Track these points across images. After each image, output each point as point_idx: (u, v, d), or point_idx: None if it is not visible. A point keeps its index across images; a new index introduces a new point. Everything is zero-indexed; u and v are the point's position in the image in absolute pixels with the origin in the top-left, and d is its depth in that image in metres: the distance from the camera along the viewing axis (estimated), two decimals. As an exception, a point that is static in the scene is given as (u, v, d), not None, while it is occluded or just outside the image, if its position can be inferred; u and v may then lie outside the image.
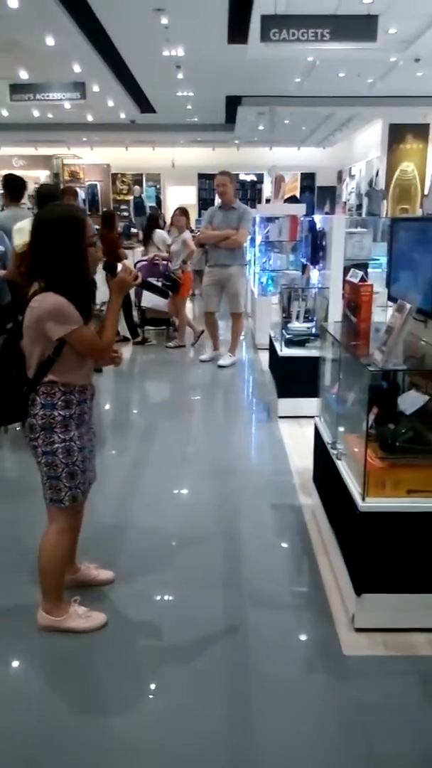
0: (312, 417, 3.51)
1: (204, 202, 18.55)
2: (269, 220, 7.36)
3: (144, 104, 14.58)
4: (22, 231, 4.18)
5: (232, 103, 14.16)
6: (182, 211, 7.61)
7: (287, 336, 4.95)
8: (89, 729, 2.02)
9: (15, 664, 2.36)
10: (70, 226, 2.17)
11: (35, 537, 2.47)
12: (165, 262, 7.35)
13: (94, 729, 2.02)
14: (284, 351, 4.85)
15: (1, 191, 5.48)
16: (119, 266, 2.45)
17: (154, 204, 17.47)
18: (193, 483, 3.89)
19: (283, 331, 5.00)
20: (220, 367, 6.35)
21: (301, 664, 2.32)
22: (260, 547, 3.10)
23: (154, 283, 6.40)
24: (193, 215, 18.70)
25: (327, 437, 3.07)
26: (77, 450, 2.29)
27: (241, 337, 6.92)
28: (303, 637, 2.46)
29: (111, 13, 8.77)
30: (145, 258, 7.66)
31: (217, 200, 16.84)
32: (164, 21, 8.78)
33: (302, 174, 19.28)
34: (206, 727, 2.02)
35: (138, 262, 7.60)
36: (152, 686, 2.21)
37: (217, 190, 6.44)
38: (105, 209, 9.73)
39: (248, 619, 2.55)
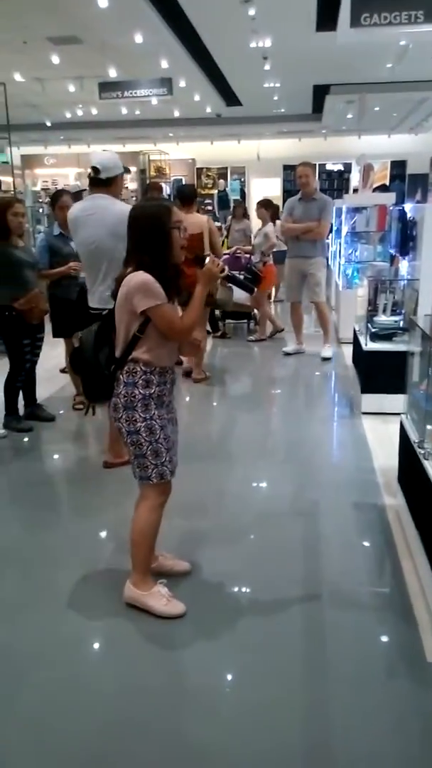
0: (397, 414, 3.39)
1: (288, 194, 18.19)
2: (356, 210, 7.17)
3: (230, 97, 14.57)
4: None
5: (320, 92, 13.89)
6: (264, 204, 7.54)
7: (373, 330, 4.81)
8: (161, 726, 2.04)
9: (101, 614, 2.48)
10: (154, 215, 2.38)
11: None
12: (247, 255, 7.32)
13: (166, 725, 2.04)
14: (369, 345, 4.72)
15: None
16: (207, 258, 2.48)
17: (238, 197, 17.42)
18: (273, 478, 3.86)
19: (369, 324, 4.86)
20: (324, 359, 6.32)
21: (381, 668, 2.25)
22: (341, 546, 3.04)
23: (239, 277, 6.38)
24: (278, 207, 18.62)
25: (414, 436, 2.95)
26: (159, 428, 2.41)
27: (331, 325, 6.77)
28: (384, 640, 2.39)
29: (198, 8, 8.81)
30: (227, 251, 7.67)
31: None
32: (251, 12, 8.70)
33: (392, 162, 18.63)
34: (282, 725, 2.00)
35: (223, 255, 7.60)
36: (229, 681, 2.21)
37: (300, 181, 6.35)
38: (180, 185, 10.07)
39: (327, 619, 2.50)
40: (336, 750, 1.91)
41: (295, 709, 2.06)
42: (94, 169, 3.55)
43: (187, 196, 5.70)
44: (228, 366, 6.82)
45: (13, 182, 7.68)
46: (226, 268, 2.56)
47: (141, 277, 2.31)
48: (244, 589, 2.71)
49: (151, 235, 2.34)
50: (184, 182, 16.89)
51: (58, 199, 4.74)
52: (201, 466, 3.96)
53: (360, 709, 2.05)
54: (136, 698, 2.12)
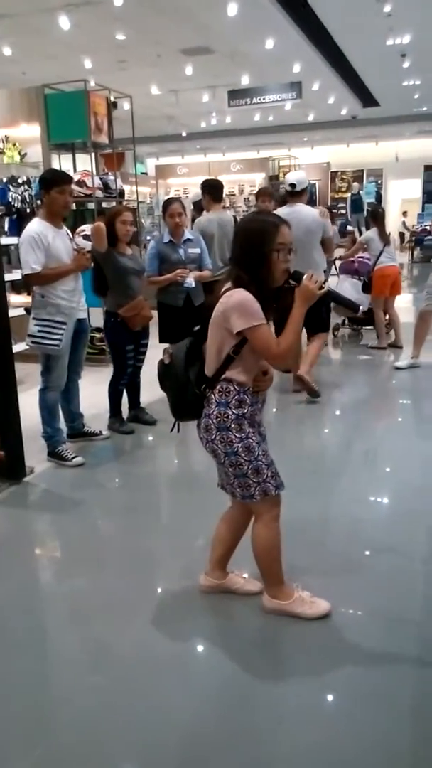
0: None
1: (429, 196, 17.47)
2: None
3: (366, 98, 14.15)
4: None
5: (465, 87, 13.09)
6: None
7: None
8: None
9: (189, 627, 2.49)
10: (256, 232, 2.28)
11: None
12: (361, 260, 6.98)
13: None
14: None
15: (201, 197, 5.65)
16: (305, 275, 2.33)
17: (373, 200, 16.87)
18: (378, 498, 3.61)
19: None
20: (396, 368, 6.07)
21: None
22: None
23: (342, 295, 6.05)
24: (416, 209, 17.78)
25: None
26: (256, 445, 2.33)
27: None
28: None
29: (330, 9, 8.61)
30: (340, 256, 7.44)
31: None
32: (387, 9, 8.38)
33: None
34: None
35: (335, 258, 7.34)
36: (327, 696, 2.06)
37: None
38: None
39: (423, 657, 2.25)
40: None
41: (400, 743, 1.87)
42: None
43: (215, 189, 5.45)
44: (338, 375, 6.56)
45: (137, 192, 7.91)
46: (326, 285, 2.42)
47: (240, 295, 2.22)
48: (348, 623, 2.50)
49: (250, 253, 2.25)
50: (317, 186, 16.67)
51: (168, 207, 4.78)
52: (309, 480, 3.77)
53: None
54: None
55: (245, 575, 2.71)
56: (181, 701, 2.12)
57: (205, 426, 2.34)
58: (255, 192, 6.30)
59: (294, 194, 5.08)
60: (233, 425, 2.29)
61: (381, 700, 2.08)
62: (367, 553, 2.99)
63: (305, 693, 2.14)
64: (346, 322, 7.73)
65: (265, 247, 2.22)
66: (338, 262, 7.47)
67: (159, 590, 2.79)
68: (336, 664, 2.26)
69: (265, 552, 2.46)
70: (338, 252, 7.31)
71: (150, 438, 4.64)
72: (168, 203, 4.84)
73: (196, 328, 2.49)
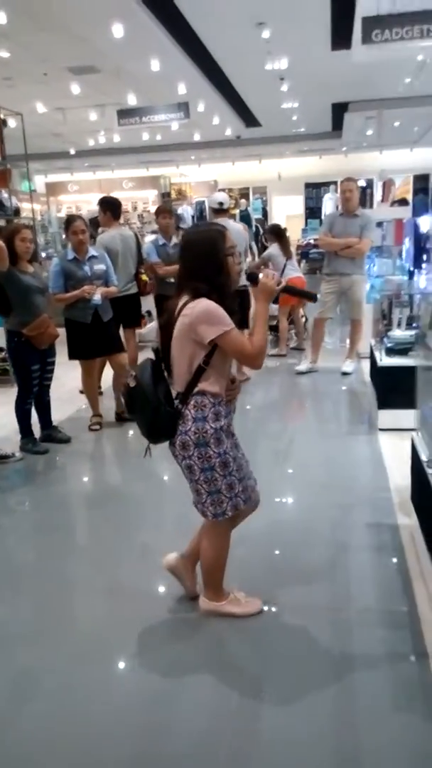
0: (413, 430, 3.30)
1: (311, 211, 18.40)
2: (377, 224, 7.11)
3: (249, 119, 14.73)
4: None
5: (339, 109, 13.96)
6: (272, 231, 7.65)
7: (388, 345, 4.72)
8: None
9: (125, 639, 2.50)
10: (207, 241, 2.32)
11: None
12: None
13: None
14: (384, 360, 4.63)
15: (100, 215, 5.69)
16: (260, 274, 2.44)
17: (260, 216, 17.53)
18: (286, 495, 3.79)
19: (384, 339, 4.78)
20: (344, 374, 6.26)
21: (389, 699, 2.15)
22: (353, 567, 2.94)
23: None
24: (299, 225, 18.63)
25: (424, 454, 2.87)
26: (232, 460, 2.35)
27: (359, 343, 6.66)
28: (392, 672, 2.28)
29: (213, 33, 8.95)
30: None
31: (326, 207, 16.41)
32: (265, 35, 8.81)
33: (415, 176, 18.52)
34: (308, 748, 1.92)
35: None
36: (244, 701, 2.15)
37: (343, 197, 6.23)
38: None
39: (338, 644, 2.41)
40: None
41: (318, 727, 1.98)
42: (220, 203, 5.85)
43: (114, 206, 5.64)
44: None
45: (32, 209, 7.79)
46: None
47: (205, 304, 2.23)
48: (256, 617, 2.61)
49: (206, 262, 2.29)
50: (206, 203, 17.05)
51: (71, 224, 4.77)
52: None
53: (375, 738, 1.96)
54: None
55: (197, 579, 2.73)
56: (112, 720, 2.10)
57: (181, 443, 2.31)
58: (155, 210, 6.40)
59: (220, 211, 5.83)
60: (212, 440, 2.29)
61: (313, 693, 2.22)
62: (277, 552, 3.15)
63: (229, 692, 2.24)
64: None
65: (219, 253, 2.29)
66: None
67: (83, 611, 2.76)
68: (265, 655, 2.38)
69: (214, 560, 2.51)
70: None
71: (65, 457, 4.58)
72: (71, 220, 4.83)
73: (154, 347, 2.49)
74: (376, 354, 4.81)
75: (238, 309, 2.43)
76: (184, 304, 2.28)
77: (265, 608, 2.62)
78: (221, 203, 5.85)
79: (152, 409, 2.31)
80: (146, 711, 2.14)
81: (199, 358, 2.27)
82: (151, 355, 2.47)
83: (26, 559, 3.32)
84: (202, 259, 2.30)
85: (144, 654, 2.45)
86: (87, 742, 2.03)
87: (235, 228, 5.76)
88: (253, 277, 2.44)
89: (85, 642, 2.52)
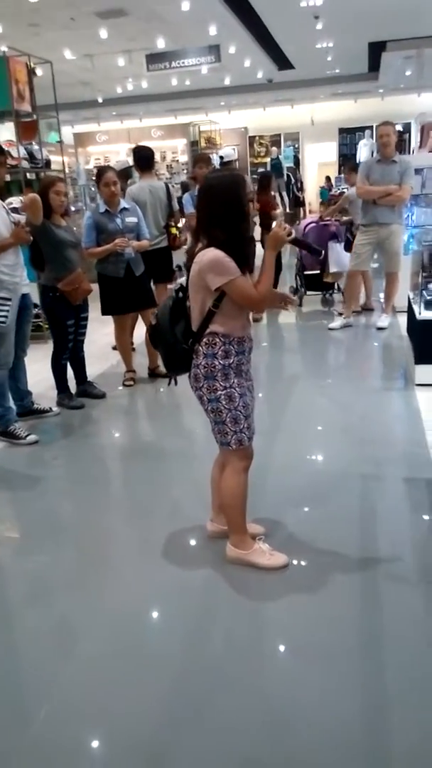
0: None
1: (345, 158, 17.75)
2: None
3: (282, 61, 14.15)
4: None
5: (376, 49, 13.28)
6: (353, 168, 7.06)
7: (428, 297, 4.61)
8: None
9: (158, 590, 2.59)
10: (230, 187, 2.37)
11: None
12: (330, 221, 6.99)
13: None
14: (423, 314, 4.53)
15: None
16: (274, 223, 2.47)
17: (291, 164, 17.02)
18: (323, 451, 3.80)
19: (424, 292, 4.66)
20: (380, 329, 6.14)
21: (419, 660, 2.17)
22: (386, 525, 2.95)
23: (305, 240, 6.12)
24: (333, 172, 18.07)
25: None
26: (238, 396, 2.48)
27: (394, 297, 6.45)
28: (425, 630, 2.30)
29: (245, -32, 8.53)
30: (312, 220, 7.45)
31: (361, 154, 15.87)
32: (300, -31, 8.38)
33: (456, 120, 17.77)
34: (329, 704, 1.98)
35: (308, 223, 7.33)
36: (281, 647, 2.20)
37: (381, 141, 5.96)
38: (262, 171, 9.66)
39: (375, 597, 2.44)
40: (382, 731, 1.87)
41: (343, 682, 2.03)
42: (221, 157, 6.60)
43: (145, 158, 5.49)
44: (285, 336, 6.74)
45: (63, 162, 7.69)
46: (293, 231, 2.55)
47: (212, 254, 2.33)
48: (300, 561, 2.67)
49: (226, 208, 2.34)
50: (236, 151, 16.63)
51: (103, 176, 4.70)
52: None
53: (412, 693, 1.99)
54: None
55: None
56: (155, 668, 2.16)
57: (194, 375, 2.50)
58: (194, 159, 6.33)
59: (224, 164, 6.59)
60: (219, 375, 2.44)
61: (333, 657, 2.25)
62: (307, 508, 3.17)
63: (265, 637, 2.29)
64: (302, 285, 7.46)
65: (243, 198, 2.35)
66: (306, 226, 7.25)
67: (121, 561, 2.82)
68: (290, 619, 2.42)
69: (233, 499, 2.60)
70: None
71: (100, 411, 4.65)
72: (102, 172, 4.76)
73: (178, 286, 2.60)
74: (415, 307, 4.70)
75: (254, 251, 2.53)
76: (199, 251, 2.40)
77: (294, 562, 2.65)
78: (222, 157, 6.80)
79: (168, 345, 2.55)
80: (180, 655, 2.21)
81: (209, 302, 2.40)
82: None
83: (65, 511, 3.41)
84: (224, 204, 2.35)
85: (178, 601, 2.51)
86: (127, 684, 2.10)
87: None
88: (266, 226, 2.52)
89: (121, 591, 2.59)
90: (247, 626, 2.37)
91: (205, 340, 2.44)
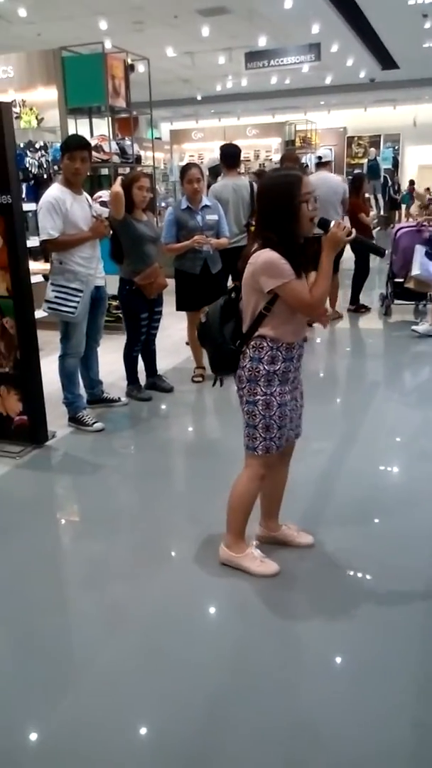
0: None
1: (447, 162, 17.10)
2: None
3: (386, 60, 13.81)
4: None
5: None
6: None
7: None
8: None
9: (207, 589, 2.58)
10: (282, 186, 2.30)
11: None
12: (426, 226, 6.70)
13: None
14: None
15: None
16: (332, 222, 2.40)
17: (389, 166, 16.55)
18: (403, 464, 3.68)
19: None
20: None
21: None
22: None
23: (368, 240, 5.89)
24: (432, 176, 17.45)
25: None
26: (276, 405, 2.42)
27: None
28: None
29: (351, -35, 8.37)
30: (409, 224, 7.19)
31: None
32: (410, -35, 8.13)
33: None
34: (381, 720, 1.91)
35: (400, 228, 7.08)
36: (337, 658, 2.15)
37: None
38: (356, 172, 9.38)
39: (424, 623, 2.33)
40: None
41: (398, 707, 1.95)
42: (319, 157, 6.76)
43: (229, 156, 5.47)
44: (362, 342, 6.58)
45: (152, 157, 7.83)
46: (353, 231, 2.43)
47: (266, 255, 2.28)
48: (363, 573, 2.61)
49: (279, 208, 2.28)
50: (333, 151, 16.36)
51: (187, 173, 4.73)
52: (329, 446, 3.84)
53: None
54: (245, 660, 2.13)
55: (295, 528, 2.80)
56: (199, 662, 2.17)
57: (238, 377, 2.48)
58: (279, 158, 6.33)
59: (321, 164, 6.64)
60: (262, 380, 2.40)
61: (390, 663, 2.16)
62: (377, 520, 3.06)
63: (319, 651, 2.22)
64: (391, 293, 7.06)
65: (295, 199, 2.26)
66: (399, 230, 6.96)
67: (174, 554, 2.85)
68: (348, 624, 2.34)
69: (239, 502, 2.58)
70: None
71: (167, 405, 4.70)
72: (186, 168, 4.80)
73: (231, 287, 2.57)
74: None
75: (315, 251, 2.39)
76: (253, 252, 2.35)
77: (359, 575, 2.59)
78: (320, 157, 6.77)
79: (216, 345, 2.51)
80: (228, 649, 2.21)
81: (260, 304, 2.35)
82: None
83: (124, 500, 3.46)
84: (275, 205, 2.29)
85: (229, 601, 2.50)
86: (167, 680, 2.11)
87: (335, 179, 6.68)
88: (323, 224, 2.37)
89: (174, 582, 2.62)
90: (299, 638, 2.31)
91: (252, 343, 2.40)
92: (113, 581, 2.66)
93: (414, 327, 6.17)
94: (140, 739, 1.91)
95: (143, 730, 1.93)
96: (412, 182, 16.70)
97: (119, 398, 4.60)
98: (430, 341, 6.07)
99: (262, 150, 13.52)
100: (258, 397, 2.41)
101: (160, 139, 16.09)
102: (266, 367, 2.39)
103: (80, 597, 2.61)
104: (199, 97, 16.53)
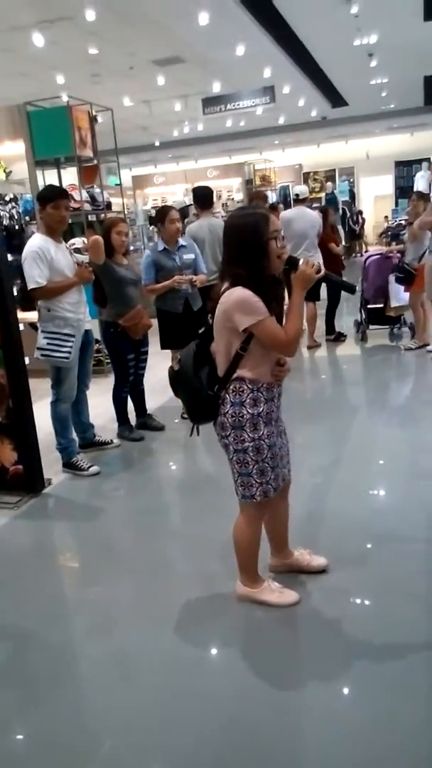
0: None
1: (401, 191, 17.70)
2: None
3: (335, 98, 14.36)
4: None
5: None
6: (420, 196, 6.81)
7: None
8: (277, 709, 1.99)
9: (216, 626, 2.55)
10: (250, 225, 2.27)
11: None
12: (399, 255, 6.89)
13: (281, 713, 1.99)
14: None
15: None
16: (300, 260, 2.40)
17: (347, 198, 17.08)
18: (389, 485, 3.70)
19: None
20: None
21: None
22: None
23: (337, 277, 6.03)
24: (389, 205, 18.03)
25: None
26: (267, 448, 2.37)
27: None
28: None
29: (299, 13, 8.75)
30: (376, 251, 7.40)
31: (418, 185, 15.82)
32: (354, 10, 8.53)
33: None
34: (401, 740, 1.89)
35: (369, 256, 7.27)
36: (345, 689, 2.13)
37: None
38: (314, 206, 9.66)
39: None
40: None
41: (414, 725, 1.93)
42: (296, 194, 7.13)
43: (203, 197, 5.66)
44: (342, 369, 6.68)
45: (123, 203, 7.97)
46: (323, 268, 2.44)
47: (239, 293, 2.24)
48: (359, 599, 2.61)
49: (247, 246, 2.26)
50: (290, 188, 16.83)
51: (168, 214, 4.79)
52: (317, 471, 3.83)
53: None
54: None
55: (308, 552, 2.79)
56: (206, 706, 2.13)
57: (220, 424, 2.38)
58: (249, 195, 6.53)
59: (298, 201, 7.04)
60: (248, 425, 2.33)
61: (398, 690, 2.14)
62: (369, 545, 3.07)
63: (327, 690, 2.18)
64: (365, 320, 7.12)
65: (263, 237, 2.25)
66: (368, 258, 7.12)
67: (181, 595, 2.79)
68: (354, 657, 2.31)
69: (245, 546, 2.55)
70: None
71: (160, 444, 4.69)
72: (166, 210, 4.88)
73: (201, 330, 2.52)
74: None
75: (281, 294, 2.40)
76: (224, 291, 2.30)
77: (356, 600, 2.59)
78: (297, 194, 7.07)
79: (192, 392, 2.39)
80: (236, 697, 2.17)
81: (236, 344, 2.29)
82: None
83: (125, 542, 3.43)
84: (243, 243, 2.27)
85: (236, 639, 2.48)
86: (182, 724, 2.07)
87: (312, 214, 6.89)
88: (293, 263, 2.37)
89: (178, 626, 2.58)
90: (306, 666, 2.30)
91: (232, 386, 2.33)
92: (118, 627, 2.61)
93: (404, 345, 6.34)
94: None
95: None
96: (360, 212, 17.22)
97: (111, 440, 4.59)
98: (410, 363, 6.21)
99: (224, 190, 13.85)
100: (247, 443, 2.34)
101: (119, 185, 16.38)
102: (250, 411, 2.32)
103: (86, 645, 2.55)
104: (157, 143, 16.92)
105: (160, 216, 4.87)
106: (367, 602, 2.60)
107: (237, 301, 2.24)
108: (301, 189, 7.24)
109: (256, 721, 2.05)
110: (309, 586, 2.68)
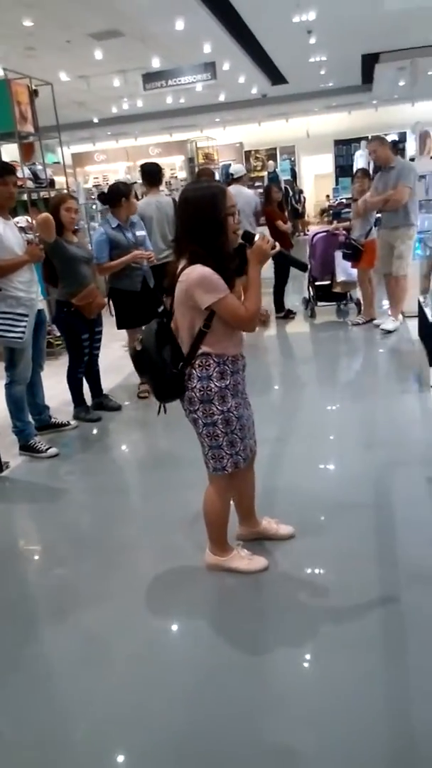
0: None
1: (341, 169, 17.95)
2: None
3: (275, 76, 14.35)
4: None
5: (369, 61, 13.48)
6: (364, 173, 6.91)
7: (438, 301, 4.64)
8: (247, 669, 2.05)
9: (186, 597, 2.59)
10: (207, 199, 2.24)
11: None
12: (345, 232, 6.95)
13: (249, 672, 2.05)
14: (435, 317, 4.56)
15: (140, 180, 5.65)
16: (257, 235, 2.40)
17: (289, 177, 17.16)
18: (342, 456, 3.80)
19: (433, 295, 4.69)
20: (387, 332, 6.14)
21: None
22: (416, 523, 2.95)
23: (291, 255, 6.15)
24: (329, 184, 18.25)
25: None
26: (235, 419, 2.40)
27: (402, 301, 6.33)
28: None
29: (239, -14, 8.68)
30: (323, 229, 7.45)
31: (357, 164, 16.14)
32: (293, -15, 8.52)
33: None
34: (354, 690, 1.99)
35: (315, 233, 7.28)
36: (305, 646, 2.20)
37: (371, 158, 6.43)
38: (266, 185, 9.68)
39: (404, 595, 2.44)
40: (413, 730, 1.86)
41: (370, 686, 2.03)
42: (231, 174, 7.25)
43: (151, 174, 5.56)
44: (297, 344, 6.77)
45: (66, 181, 7.78)
46: (277, 244, 2.46)
47: (199, 270, 2.21)
48: (319, 568, 2.69)
49: (204, 222, 2.22)
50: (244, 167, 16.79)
51: (128, 192, 4.75)
52: (266, 446, 3.90)
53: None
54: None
55: (275, 521, 2.86)
56: (177, 679, 2.16)
57: (188, 399, 2.39)
58: (197, 172, 6.48)
59: (234, 180, 7.08)
60: (216, 398, 2.35)
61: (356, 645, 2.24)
62: (323, 517, 3.17)
63: (295, 649, 2.25)
64: (313, 297, 7.26)
65: (221, 213, 2.22)
66: (315, 236, 7.15)
67: (149, 570, 2.79)
68: (317, 617, 2.41)
69: (215, 518, 2.60)
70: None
71: (117, 423, 4.66)
72: (125, 188, 4.84)
73: (160, 309, 2.52)
74: (426, 311, 4.74)
75: (237, 266, 2.38)
76: (182, 269, 2.26)
77: (314, 571, 2.66)
78: (232, 174, 7.24)
79: (157, 371, 2.39)
80: (208, 663, 2.21)
81: (198, 322, 2.29)
82: None
83: (86, 523, 3.41)
84: (200, 219, 2.23)
85: (198, 612, 2.50)
86: (158, 699, 2.10)
87: (249, 192, 7.16)
88: (248, 237, 2.38)
89: (146, 603, 2.58)
90: (272, 635, 2.36)
91: (198, 362, 2.33)
92: (84, 608, 2.59)
93: (382, 327, 6.28)
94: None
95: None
96: (300, 191, 17.36)
97: (68, 422, 4.53)
98: (358, 338, 6.35)
99: (167, 168, 13.66)
100: (216, 416, 2.36)
101: (59, 163, 15.94)
102: (217, 384, 2.33)
103: (53, 629, 2.53)
104: (95, 120, 16.52)
105: (124, 193, 4.76)
106: (327, 566, 2.69)
107: (198, 279, 2.21)
108: (237, 168, 7.40)
109: (230, 685, 2.10)
110: (276, 554, 2.75)
